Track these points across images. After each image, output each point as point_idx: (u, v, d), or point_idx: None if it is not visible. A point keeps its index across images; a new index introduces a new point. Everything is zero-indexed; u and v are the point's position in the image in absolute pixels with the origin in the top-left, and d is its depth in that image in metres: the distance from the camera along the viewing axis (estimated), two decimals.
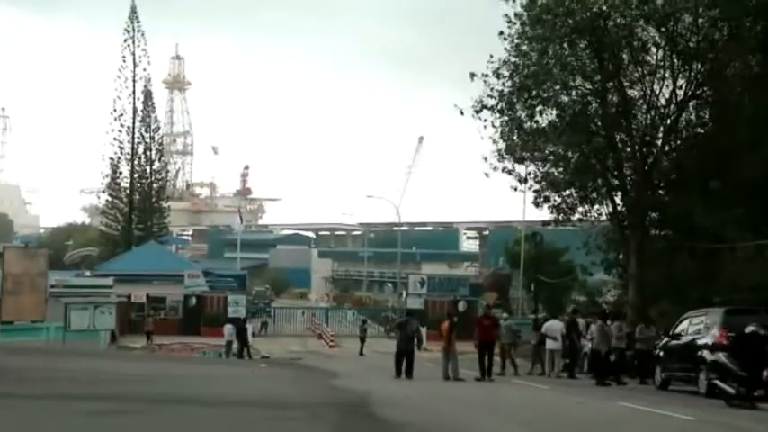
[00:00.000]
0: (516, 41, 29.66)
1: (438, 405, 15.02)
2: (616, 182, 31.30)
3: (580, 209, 32.36)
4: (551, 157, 31.29)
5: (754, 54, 27.95)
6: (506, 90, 29.82)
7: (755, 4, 27.54)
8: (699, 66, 28.78)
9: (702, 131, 30.66)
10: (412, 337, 22.91)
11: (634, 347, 24.37)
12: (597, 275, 42.65)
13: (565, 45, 29.11)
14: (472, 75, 29.88)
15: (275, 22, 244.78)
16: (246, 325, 39.32)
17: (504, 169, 31.35)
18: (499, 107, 29.96)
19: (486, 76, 29.84)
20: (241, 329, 36.58)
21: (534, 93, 29.60)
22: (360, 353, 39.39)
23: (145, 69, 70.03)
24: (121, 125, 69.62)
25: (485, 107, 29.94)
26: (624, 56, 29.48)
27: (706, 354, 18.84)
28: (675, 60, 28.98)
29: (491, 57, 29.72)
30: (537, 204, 32.44)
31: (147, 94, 71.21)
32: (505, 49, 29.86)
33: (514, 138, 30.73)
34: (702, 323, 19.96)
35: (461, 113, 30.30)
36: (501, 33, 29.73)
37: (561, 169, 31.53)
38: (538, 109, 30.33)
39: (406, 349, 22.64)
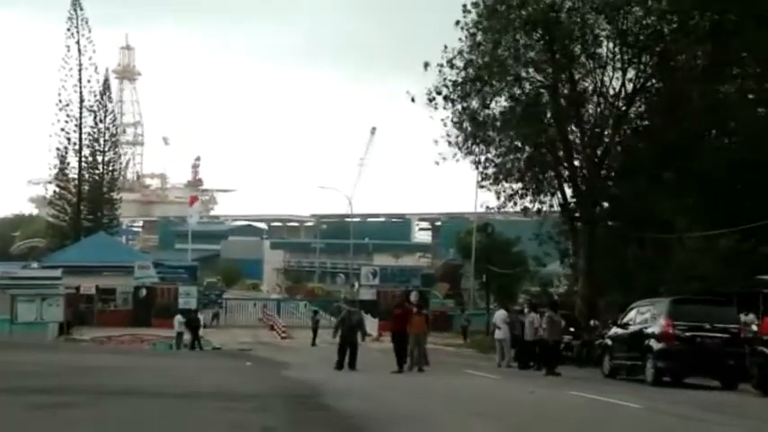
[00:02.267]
0: (471, 31, 29.77)
1: (391, 396, 14.96)
2: (567, 173, 31.56)
3: (531, 199, 32.57)
4: (503, 148, 31.47)
5: (701, 46, 28.32)
6: (460, 80, 29.92)
7: None
8: (648, 58, 29.13)
9: (651, 123, 31.04)
10: (355, 329, 22.61)
11: (581, 337, 24.60)
12: (550, 266, 43.00)
13: (518, 37, 29.28)
14: (426, 64, 30.00)
15: (224, 11, 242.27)
16: (198, 316, 39.00)
17: (454, 155, 31.50)
18: (452, 97, 30.07)
19: (441, 66, 29.95)
20: (192, 321, 36.27)
21: (487, 83, 29.75)
22: (312, 344, 39.22)
23: (90, 58, 68.68)
24: (68, 115, 68.29)
25: (438, 93, 30.04)
26: (576, 48, 29.73)
27: (653, 343, 19.12)
28: (625, 53, 29.29)
29: (445, 47, 29.84)
30: (482, 185, 32.60)
31: (99, 84, 70.04)
32: (460, 39, 30.01)
33: (467, 126, 30.84)
34: (649, 312, 20.18)
35: (413, 101, 30.45)
36: (457, 23, 29.84)
37: (513, 159, 31.73)
38: (491, 99, 30.52)
39: (350, 341, 22.29)
